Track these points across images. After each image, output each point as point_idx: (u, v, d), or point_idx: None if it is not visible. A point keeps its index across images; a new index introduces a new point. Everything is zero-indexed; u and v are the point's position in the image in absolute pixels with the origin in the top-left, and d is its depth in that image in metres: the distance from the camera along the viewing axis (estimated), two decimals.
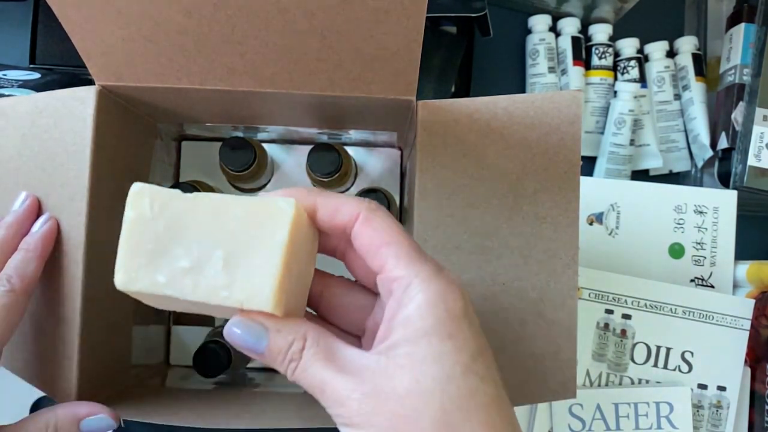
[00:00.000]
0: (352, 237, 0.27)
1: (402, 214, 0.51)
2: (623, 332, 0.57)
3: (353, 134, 0.47)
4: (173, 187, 0.44)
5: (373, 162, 0.51)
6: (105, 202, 0.37)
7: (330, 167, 0.44)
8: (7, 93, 0.50)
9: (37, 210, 0.35)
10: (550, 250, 0.36)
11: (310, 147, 0.45)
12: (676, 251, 0.60)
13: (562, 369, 0.35)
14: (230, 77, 0.35)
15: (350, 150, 0.50)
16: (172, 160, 0.50)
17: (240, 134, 0.47)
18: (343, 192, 0.51)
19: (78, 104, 0.35)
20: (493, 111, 0.36)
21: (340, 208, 0.26)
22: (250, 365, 0.50)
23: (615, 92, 0.64)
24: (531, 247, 0.36)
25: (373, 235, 0.26)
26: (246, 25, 0.31)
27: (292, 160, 0.51)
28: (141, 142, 0.43)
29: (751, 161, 0.58)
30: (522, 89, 0.65)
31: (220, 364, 0.43)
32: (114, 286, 0.40)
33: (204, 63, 0.34)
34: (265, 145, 0.48)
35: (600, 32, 0.65)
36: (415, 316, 0.24)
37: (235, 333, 0.25)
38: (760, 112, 0.58)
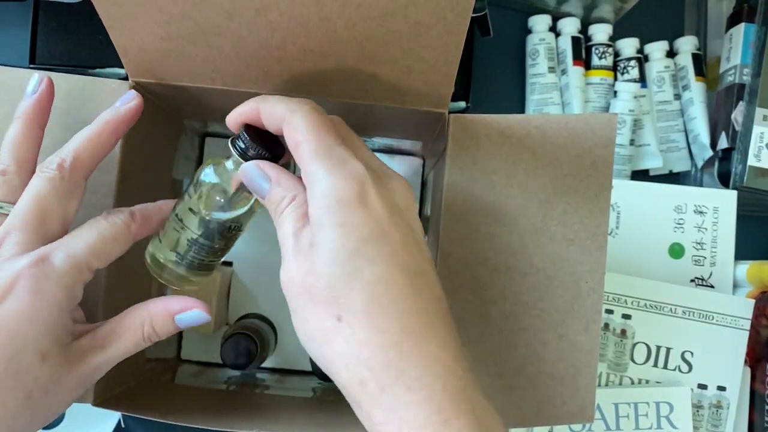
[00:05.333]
0: (285, 137, 0.30)
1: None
2: (623, 332, 0.57)
3: (376, 140, 0.47)
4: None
5: (394, 169, 0.51)
6: (130, 195, 0.37)
7: None
8: None
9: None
10: (576, 273, 0.36)
11: None
12: (676, 251, 0.60)
13: (580, 392, 0.35)
14: (265, 81, 0.35)
15: None
16: (194, 156, 0.50)
17: None
18: None
19: (107, 97, 0.35)
20: (526, 129, 0.35)
21: (273, 112, 0.30)
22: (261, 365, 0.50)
23: (615, 92, 0.64)
24: (557, 268, 0.35)
25: (291, 135, 0.29)
26: (286, 31, 0.31)
27: None
28: (167, 137, 0.44)
29: (751, 161, 0.58)
30: (522, 89, 0.65)
31: (249, 355, 0.43)
32: (134, 279, 0.40)
33: (240, 66, 0.34)
34: None
35: (600, 32, 0.65)
36: (313, 208, 0.27)
37: (251, 171, 0.30)
38: (760, 112, 0.58)
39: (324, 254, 0.26)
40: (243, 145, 0.31)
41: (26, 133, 0.32)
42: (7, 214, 0.31)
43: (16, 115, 0.32)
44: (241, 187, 0.32)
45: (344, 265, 0.26)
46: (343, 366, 0.26)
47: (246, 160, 0.31)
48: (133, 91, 0.34)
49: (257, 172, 0.30)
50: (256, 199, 0.32)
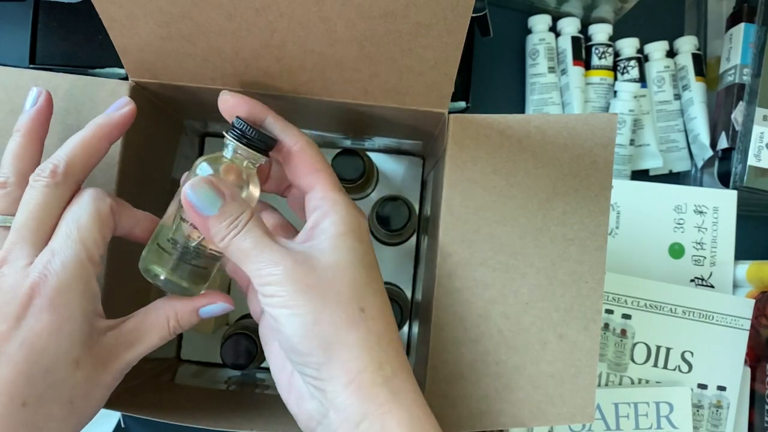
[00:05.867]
0: (292, 156, 0.33)
1: (420, 223, 0.51)
2: (623, 332, 0.57)
3: (376, 140, 0.47)
4: None
5: (394, 168, 0.51)
6: (130, 195, 0.37)
7: (354, 173, 0.44)
8: None
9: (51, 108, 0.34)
10: (576, 273, 0.36)
11: (331, 150, 0.45)
12: (676, 251, 0.60)
13: (580, 392, 0.35)
14: (265, 81, 0.35)
15: (372, 155, 0.50)
16: (194, 156, 0.50)
17: None
18: (363, 198, 0.52)
19: (108, 97, 0.35)
20: (526, 129, 0.36)
21: (289, 130, 0.33)
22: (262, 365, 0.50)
23: (615, 92, 0.64)
24: (557, 268, 0.36)
25: (310, 161, 0.33)
26: (286, 31, 0.31)
27: None
28: (167, 137, 0.44)
29: (751, 161, 0.58)
30: (522, 89, 0.65)
31: (249, 355, 0.43)
32: (135, 278, 0.40)
33: (240, 66, 0.34)
34: None
35: (600, 32, 0.65)
36: (338, 221, 0.31)
37: (193, 193, 0.29)
38: (760, 111, 0.58)
39: (353, 258, 0.30)
40: (240, 128, 0.31)
41: (26, 146, 0.32)
42: (10, 227, 0.31)
43: (16, 128, 0.32)
44: (242, 176, 0.32)
45: (369, 272, 0.31)
46: (365, 349, 0.29)
47: (242, 143, 0.31)
48: (126, 98, 0.34)
49: (208, 187, 0.30)
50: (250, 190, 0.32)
